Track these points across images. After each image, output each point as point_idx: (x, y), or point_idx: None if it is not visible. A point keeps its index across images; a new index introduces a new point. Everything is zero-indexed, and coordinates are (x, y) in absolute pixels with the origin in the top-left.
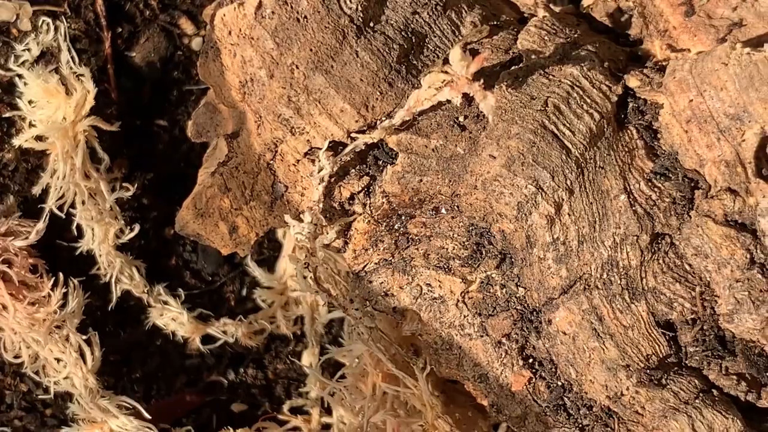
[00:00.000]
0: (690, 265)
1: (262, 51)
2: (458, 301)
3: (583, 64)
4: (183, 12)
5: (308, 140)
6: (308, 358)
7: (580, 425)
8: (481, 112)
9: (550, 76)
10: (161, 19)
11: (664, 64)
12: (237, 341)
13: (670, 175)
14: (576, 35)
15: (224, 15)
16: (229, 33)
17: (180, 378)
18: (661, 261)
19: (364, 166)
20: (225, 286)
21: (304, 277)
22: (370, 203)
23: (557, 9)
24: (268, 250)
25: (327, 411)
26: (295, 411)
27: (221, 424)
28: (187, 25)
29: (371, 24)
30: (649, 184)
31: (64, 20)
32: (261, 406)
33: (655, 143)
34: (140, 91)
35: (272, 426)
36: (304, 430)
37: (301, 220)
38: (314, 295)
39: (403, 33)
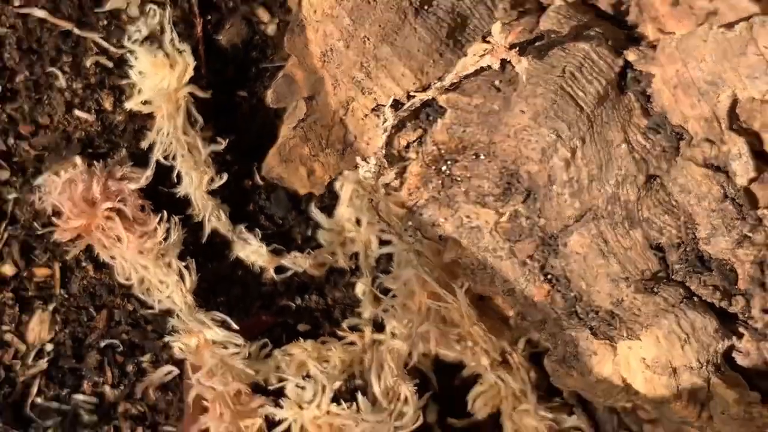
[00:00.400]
0: (676, 200)
1: (340, 26)
2: (491, 229)
3: (592, 42)
4: (260, 4)
5: (375, 98)
6: (362, 287)
7: (590, 326)
8: (513, 77)
9: (567, 50)
10: (242, 9)
11: (655, 43)
12: (304, 272)
13: (660, 130)
14: (586, 20)
15: None
16: (314, 12)
17: (256, 303)
18: (653, 197)
19: (418, 120)
20: (293, 228)
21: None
22: (423, 150)
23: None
24: (328, 200)
25: (377, 330)
26: (351, 329)
27: (290, 340)
28: (263, 14)
29: (425, 6)
30: (644, 136)
31: (166, 8)
32: (322, 326)
33: (649, 105)
34: (225, 68)
35: (332, 340)
36: (358, 343)
37: (367, 163)
38: (368, 233)
39: (450, 14)
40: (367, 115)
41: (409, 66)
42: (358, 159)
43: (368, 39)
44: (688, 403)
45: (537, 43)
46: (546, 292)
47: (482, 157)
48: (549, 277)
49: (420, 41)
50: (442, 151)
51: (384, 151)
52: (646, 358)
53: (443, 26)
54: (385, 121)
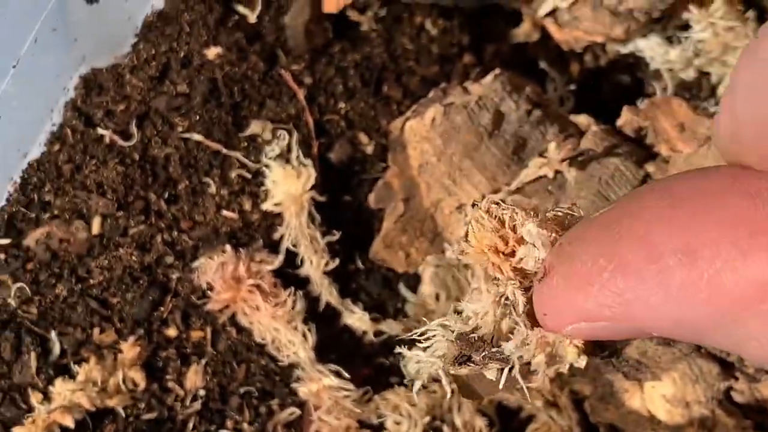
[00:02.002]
0: None
1: (433, 145)
2: None
3: (620, 157)
4: (361, 129)
5: (458, 199)
6: None
7: (622, 371)
8: (562, 183)
9: (601, 164)
10: (347, 134)
11: (668, 159)
12: (396, 336)
13: None
14: (615, 141)
15: (411, 125)
16: (414, 135)
17: (359, 359)
18: None
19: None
20: (387, 302)
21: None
22: None
23: (602, 127)
24: (413, 281)
25: (454, 381)
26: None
27: (385, 389)
28: (363, 138)
29: (495, 131)
30: None
31: (293, 133)
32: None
33: None
34: (335, 178)
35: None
36: (438, 391)
37: (452, 248)
38: (446, 304)
39: (514, 137)
40: (452, 212)
41: (484, 175)
42: (446, 245)
43: (454, 155)
44: (698, 428)
45: (579, 158)
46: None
47: None
48: None
49: (492, 157)
50: None
51: (464, 239)
52: (666, 395)
53: (509, 146)
54: (465, 216)
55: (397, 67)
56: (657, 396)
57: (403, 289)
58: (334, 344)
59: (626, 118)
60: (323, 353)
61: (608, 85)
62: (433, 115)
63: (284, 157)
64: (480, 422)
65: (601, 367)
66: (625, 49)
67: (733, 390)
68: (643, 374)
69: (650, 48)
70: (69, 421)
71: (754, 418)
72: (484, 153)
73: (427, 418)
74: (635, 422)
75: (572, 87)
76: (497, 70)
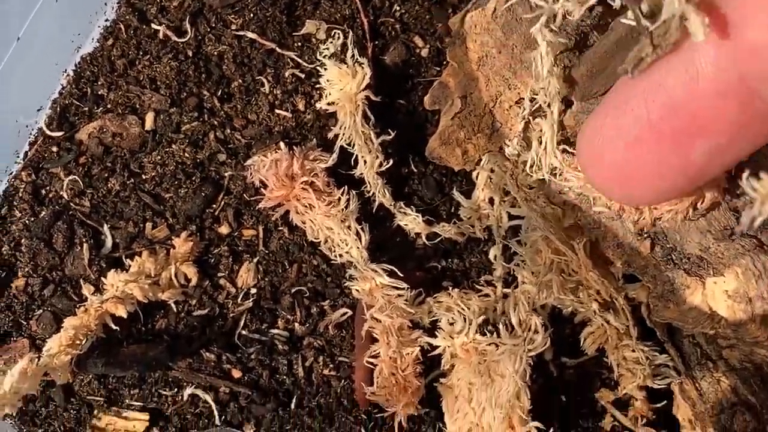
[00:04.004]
0: None
1: (494, 37)
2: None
3: None
4: (416, 33)
5: (519, 93)
6: (494, 252)
7: (683, 268)
8: None
9: None
10: (402, 37)
11: None
12: (448, 240)
13: None
14: None
15: (472, 16)
16: (474, 27)
17: (411, 262)
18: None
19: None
20: (439, 206)
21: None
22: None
23: None
24: (466, 185)
25: (505, 286)
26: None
27: (437, 292)
28: (419, 41)
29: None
30: None
31: (348, 33)
32: (460, 284)
33: None
34: (389, 80)
35: (471, 292)
36: (491, 295)
37: (509, 145)
38: (500, 209)
39: (575, 30)
40: (511, 106)
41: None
42: (505, 142)
43: (515, 46)
44: (761, 325)
45: None
46: (650, 245)
47: None
48: (650, 233)
49: (554, 49)
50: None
51: (522, 135)
52: (728, 290)
53: (571, 39)
54: (524, 110)
55: None
56: (719, 291)
57: (456, 193)
58: (386, 245)
59: None
60: (376, 254)
61: None
62: (494, 5)
63: (339, 57)
64: (536, 320)
65: (662, 265)
66: None
67: None
68: (705, 270)
69: None
70: (122, 311)
71: None
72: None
73: (481, 318)
74: (695, 319)
75: None
76: None
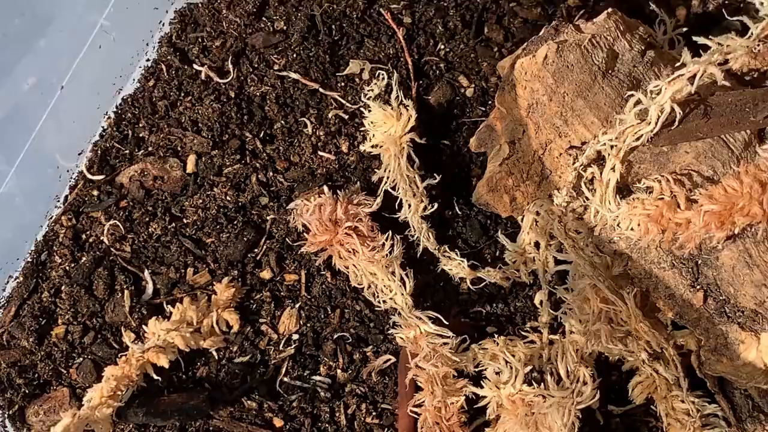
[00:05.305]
0: None
1: (545, 84)
2: (657, 246)
3: None
4: (461, 72)
5: (569, 141)
6: (540, 297)
7: (737, 322)
8: None
9: None
10: (446, 76)
11: None
12: (493, 284)
13: None
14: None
15: (522, 63)
16: (524, 73)
17: (455, 308)
18: None
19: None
20: (484, 250)
21: (559, 229)
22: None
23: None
24: (511, 228)
25: (551, 332)
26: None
27: (481, 339)
28: (463, 80)
29: (610, 71)
30: None
31: (392, 74)
32: (505, 329)
33: None
34: (433, 121)
35: (516, 339)
36: (537, 342)
37: (560, 193)
38: (546, 253)
39: (628, 77)
40: (561, 154)
41: (597, 116)
42: (553, 191)
43: (567, 94)
44: None
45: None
46: (702, 296)
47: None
48: (703, 284)
49: (606, 97)
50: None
51: (573, 184)
52: None
53: (624, 86)
54: (575, 160)
55: (498, 8)
56: None
57: (501, 236)
58: (431, 290)
59: (743, 61)
60: (420, 299)
61: (717, 30)
62: (545, 52)
63: (383, 97)
64: (585, 372)
65: (715, 318)
66: None
67: None
68: (759, 324)
69: None
70: (163, 361)
71: None
72: (598, 93)
73: (528, 368)
74: (749, 374)
75: (682, 30)
76: (610, 9)
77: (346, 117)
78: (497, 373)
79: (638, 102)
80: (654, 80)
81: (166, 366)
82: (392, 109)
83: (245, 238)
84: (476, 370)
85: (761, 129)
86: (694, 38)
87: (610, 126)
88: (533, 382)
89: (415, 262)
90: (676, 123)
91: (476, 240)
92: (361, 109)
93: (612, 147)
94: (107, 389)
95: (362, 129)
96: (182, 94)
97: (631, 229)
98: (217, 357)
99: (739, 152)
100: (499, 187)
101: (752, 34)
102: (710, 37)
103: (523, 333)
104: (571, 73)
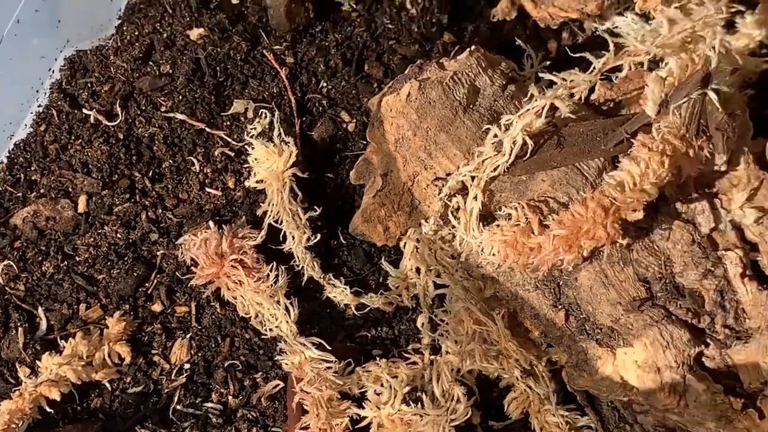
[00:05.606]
0: (658, 245)
1: (409, 120)
2: (521, 269)
3: None
4: (342, 108)
5: (434, 173)
6: (421, 320)
7: (595, 338)
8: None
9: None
10: (329, 112)
11: None
12: (377, 309)
13: None
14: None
15: (387, 100)
16: (390, 110)
17: (341, 333)
18: (641, 243)
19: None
20: (368, 276)
21: (429, 255)
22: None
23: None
24: (394, 254)
25: (433, 353)
26: (414, 352)
27: (367, 361)
28: (345, 116)
29: (471, 106)
30: None
31: (275, 112)
32: (390, 351)
33: None
34: (316, 156)
35: (399, 361)
36: (419, 363)
37: (428, 222)
38: (426, 278)
39: (488, 111)
40: (428, 185)
41: (459, 148)
42: (422, 221)
43: (430, 129)
44: (670, 393)
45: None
46: (564, 315)
47: None
48: (564, 304)
49: (467, 130)
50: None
51: (440, 213)
52: (638, 361)
53: (484, 119)
54: (441, 191)
55: (378, 46)
56: (629, 362)
57: (384, 263)
58: (316, 318)
59: (599, 92)
60: (305, 327)
61: (585, 62)
62: (408, 90)
63: (266, 135)
64: (458, 391)
65: (576, 335)
66: (602, 26)
67: (704, 356)
68: (615, 341)
69: (626, 24)
70: (55, 395)
71: (725, 383)
72: (459, 126)
73: (407, 389)
74: (608, 388)
75: (548, 63)
76: (473, 47)
77: (233, 154)
78: (378, 394)
79: (495, 135)
80: (513, 113)
81: (59, 399)
82: (274, 145)
83: (135, 273)
84: (360, 391)
85: (614, 156)
86: (540, 75)
87: (471, 158)
88: (411, 402)
89: (300, 291)
90: (529, 154)
91: (361, 267)
92: (246, 146)
93: (473, 178)
94: (1, 423)
95: (247, 165)
96: (72, 138)
97: (493, 254)
98: (110, 388)
99: (593, 179)
100: (373, 217)
101: (594, 68)
102: (556, 72)
103: (406, 354)
104: (433, 109)
